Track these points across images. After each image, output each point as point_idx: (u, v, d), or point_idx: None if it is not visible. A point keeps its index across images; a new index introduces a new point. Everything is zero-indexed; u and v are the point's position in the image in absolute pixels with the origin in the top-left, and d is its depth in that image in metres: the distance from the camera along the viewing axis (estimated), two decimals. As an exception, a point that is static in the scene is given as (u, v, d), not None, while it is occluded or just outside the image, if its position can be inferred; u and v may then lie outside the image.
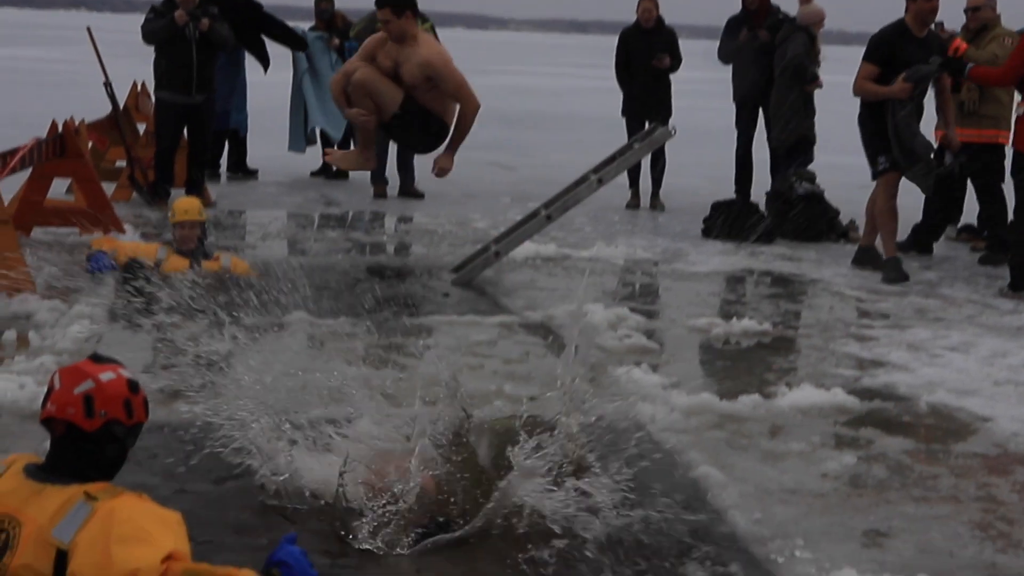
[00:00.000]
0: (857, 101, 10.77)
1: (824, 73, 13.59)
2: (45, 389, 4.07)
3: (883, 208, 10.66)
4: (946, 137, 11.05)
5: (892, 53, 10.47)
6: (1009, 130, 11.26)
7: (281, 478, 5.20)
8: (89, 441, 3.98)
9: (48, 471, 3.97)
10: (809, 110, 13.60)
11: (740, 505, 5.13)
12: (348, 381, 6.55)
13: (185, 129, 13.03)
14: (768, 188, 13.38)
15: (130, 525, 3.75)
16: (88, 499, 3.81)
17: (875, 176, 10.73)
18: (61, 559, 3.73)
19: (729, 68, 14.23)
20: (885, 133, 10.38)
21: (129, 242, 10.02)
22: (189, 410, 6.03)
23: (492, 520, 4.88)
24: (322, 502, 5.08)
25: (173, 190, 12.71)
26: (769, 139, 13.76)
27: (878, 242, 10.90)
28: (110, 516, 3.76)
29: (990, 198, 11.73)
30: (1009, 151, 10.81)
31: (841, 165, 14.20)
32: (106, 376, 4.02)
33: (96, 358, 4.12)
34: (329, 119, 14.92)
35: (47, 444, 4.08)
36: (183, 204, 9.56)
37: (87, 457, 3.99)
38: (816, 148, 13.62)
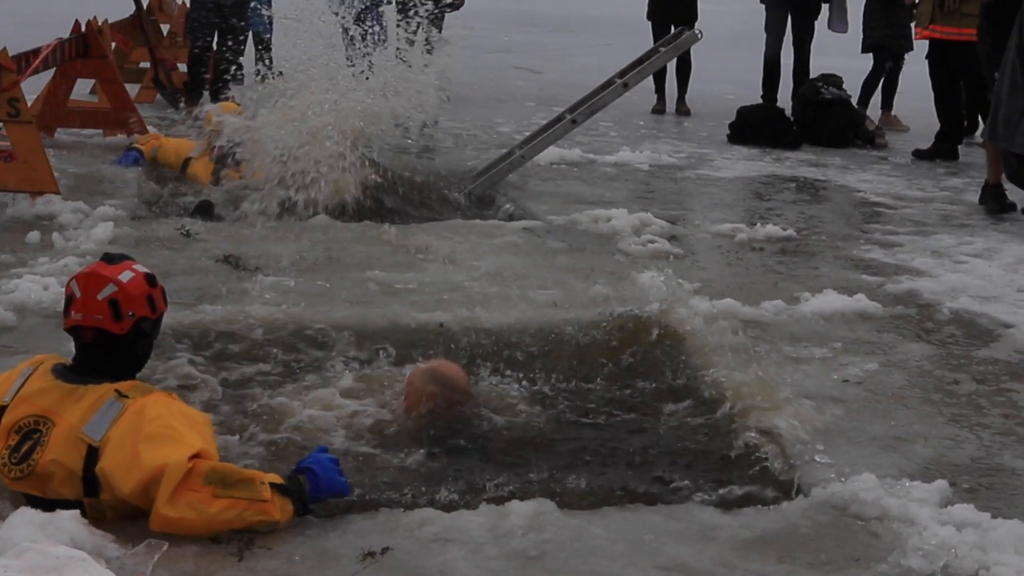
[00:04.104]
0: None
1: None
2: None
3: None
4: None
5: None
6: None
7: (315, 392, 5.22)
8: (121, 343, 4.03)
9: (77, 371, 4.01)
10: (890, 20, 13.37)
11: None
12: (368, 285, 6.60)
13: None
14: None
15: (159, 423, 3.79)
16: (119, 397, 3.86)
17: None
18: (92, 456, 3.78)
19: None
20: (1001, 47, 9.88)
21: (173, 139, 10.03)
22: (214, 312, 6.07)
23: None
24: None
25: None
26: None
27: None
28: (140, 414, 3.80)
29: (983, 91, 11.41)
30: None
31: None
32: (126, 276, 4.04)
33: (109, 258, 4.14)
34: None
35: (71, 345, 4.11)
36: (208, 112, 9.56)
37: (118, 357, 4.05)
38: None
